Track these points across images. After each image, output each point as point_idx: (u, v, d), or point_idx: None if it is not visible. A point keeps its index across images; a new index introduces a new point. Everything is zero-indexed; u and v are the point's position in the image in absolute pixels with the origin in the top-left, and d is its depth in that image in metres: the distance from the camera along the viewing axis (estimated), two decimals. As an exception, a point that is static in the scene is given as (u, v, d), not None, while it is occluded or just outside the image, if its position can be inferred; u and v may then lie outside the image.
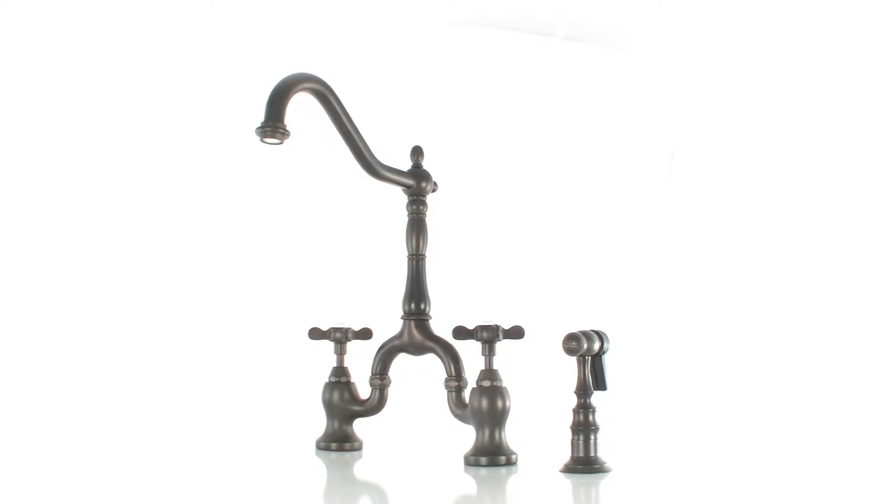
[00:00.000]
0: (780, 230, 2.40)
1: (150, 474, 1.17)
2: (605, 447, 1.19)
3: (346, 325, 1.41)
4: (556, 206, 2.49)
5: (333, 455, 1.32)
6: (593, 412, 1.13)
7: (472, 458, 1.19)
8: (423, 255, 1.35)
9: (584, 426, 1.12)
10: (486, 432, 1.19)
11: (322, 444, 1.37)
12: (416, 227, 1.35)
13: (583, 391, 1.13)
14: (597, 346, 1.14)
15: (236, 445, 1.43)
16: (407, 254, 1.35)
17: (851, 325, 2.25)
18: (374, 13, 2.34)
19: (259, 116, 1.13)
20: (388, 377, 1.36)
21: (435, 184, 1.38)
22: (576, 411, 1.13)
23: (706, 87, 2.49)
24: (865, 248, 2.28)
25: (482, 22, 2.41)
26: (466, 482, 1.09)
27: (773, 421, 1.66)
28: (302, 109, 1.30)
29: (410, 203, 1.36)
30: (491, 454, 1.18)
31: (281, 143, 1.15)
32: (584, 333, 1.13)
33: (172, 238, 2.14)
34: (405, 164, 1.37)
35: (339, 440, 1.37)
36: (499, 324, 1.21)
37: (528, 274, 2.42)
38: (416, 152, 1.37)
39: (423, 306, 1.32)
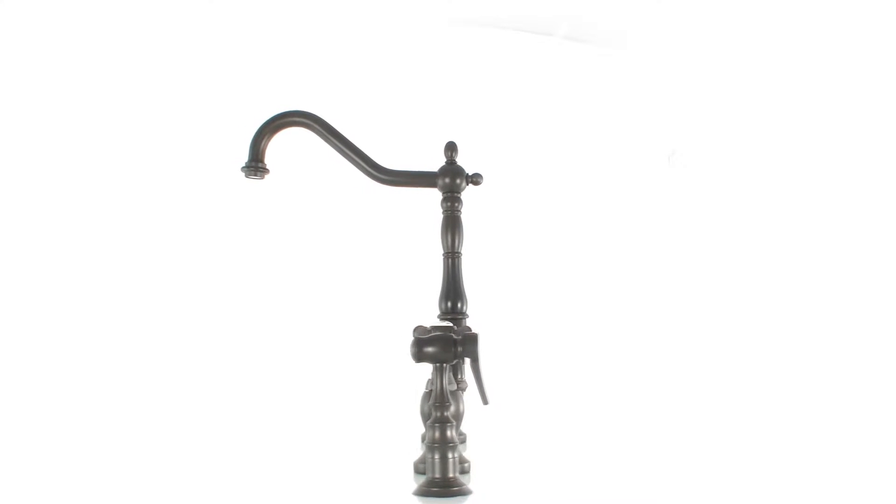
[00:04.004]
0: (781, 230, 2.40)
1: (262, 475, 1.21)
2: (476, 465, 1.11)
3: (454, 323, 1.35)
4: (554, 205, 2.47)
5: None
6: (451, 427, 0.99)
7: (420, 465, 1.12)
8: (459, 252, 1.33)
9: (440, 443, 0.99)
10: None
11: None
12: (451, 225, 1.33)
13: (439, 403, 0.99)
14: (447, 351, 0.98)
15: (340, 449, 1.45)
16: (442, 252, 1.33)
17: (852, 329, 2.26)
18: (373, 12, 2.31)
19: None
20: (462, 381, 1.32)
21: (475, 176, 1.35)
22: (430, 426, 0.99)
23: (707, 87, 2.49)
24: (866, 252, 2.29)
25: (482, 22, 2.39)
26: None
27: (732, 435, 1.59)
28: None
29: (444, 200, 1.34)
30: None
31: (262, 179, 1.29)
32: (435, 338, 0.98)
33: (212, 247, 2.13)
34: (435, 162, 1.35)
35: None
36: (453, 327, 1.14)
37: (525, 273, 2.39)
38: (450, 148, 1.35)
39: (459, 305, 1.30)
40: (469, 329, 1.17)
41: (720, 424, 1.63)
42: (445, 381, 0.99)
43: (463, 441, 1.36)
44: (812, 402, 2.00)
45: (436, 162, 1.37)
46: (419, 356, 0.98)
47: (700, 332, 2.42)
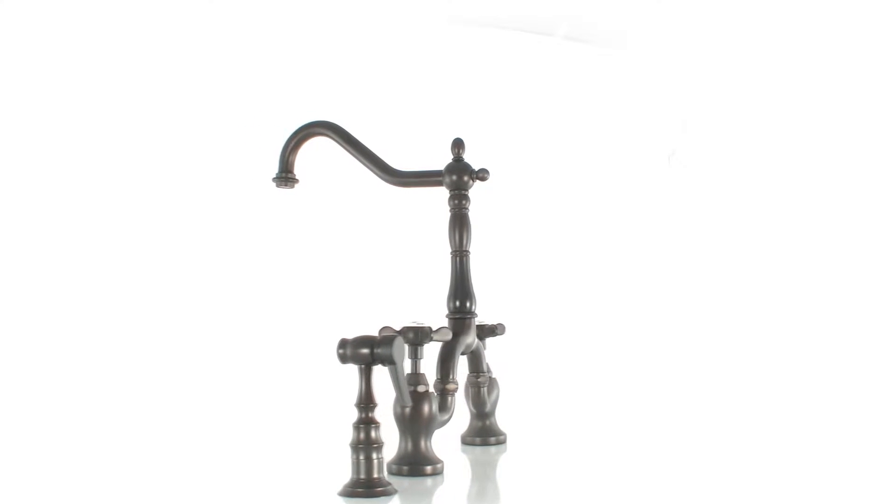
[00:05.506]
0: (782, 230, 2.40)
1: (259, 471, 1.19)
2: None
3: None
4: (555, 205, 2.47)
5: (478, 449, 1.34)
6: (376, 428, 1.01)
7: (394, 466, 1.13)
8: (467, 250, 1.31)
9: (364, 444, 1.00)
10: (410, 440, 1.13)
11: (467, 439, 1.38)
12: (459, 223, 1.31)
13: (364, 405, 1.01)
14: (365, 353, 0.99)
15: (331, 446, 1.41)
16: (450, 250, 1.31)
17: (851, 328, 2.26)
18: (372, 12, 2.30)
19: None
20: (483, 375, 1.35)
21: (482, 172, 1.33)
22: (356, 427, 1.01)
23: (706, 87, 2.49)
24: (866, 251, 2.29)
25: (482, 21, 2.39)
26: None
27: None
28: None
29: (452, 198, 1.32)
30: (413, 463, 1.12)
31: (293, 188, 1.32)
32: (354, 340, 1.00)
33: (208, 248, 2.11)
34: (438, 160, 1.34)
35: (482, 434, 1.37)
36: (427, 325, 1.16)
37: (524, 272, 2.39)
38: (457, 145, 1.34)
39: (468, 304, 1.29)
40: (431, 329, 1.17)
41: (718, 423, 1.63)
42: (368, 382, 1.01)
43: (505, 441, 1.37)
44: (812, 400, 2.00)
45: (439, 161, 1.36)
46: (342, 358, 1.00)
47: (699, 330, 2.42)
